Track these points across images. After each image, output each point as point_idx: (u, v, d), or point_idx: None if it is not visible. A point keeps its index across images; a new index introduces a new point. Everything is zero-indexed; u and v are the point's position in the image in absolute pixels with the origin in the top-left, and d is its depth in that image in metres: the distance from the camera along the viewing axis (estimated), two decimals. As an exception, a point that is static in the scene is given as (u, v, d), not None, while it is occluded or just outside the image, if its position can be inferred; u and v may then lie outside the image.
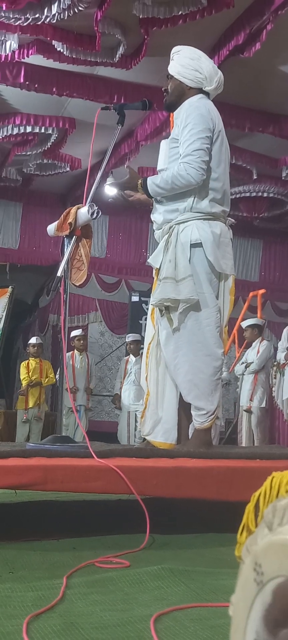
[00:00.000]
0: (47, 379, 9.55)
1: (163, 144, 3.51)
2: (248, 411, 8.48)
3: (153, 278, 3.57)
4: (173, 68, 3.46)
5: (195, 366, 3.30)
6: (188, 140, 3.27)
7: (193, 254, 3.31)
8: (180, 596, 1.81)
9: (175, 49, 3.52)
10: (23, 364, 9.75)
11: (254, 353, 8.50)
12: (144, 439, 3.66)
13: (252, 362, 8.45)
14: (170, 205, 3.37)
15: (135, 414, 9.47)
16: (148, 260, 3.51)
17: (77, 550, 2.38)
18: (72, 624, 1.55)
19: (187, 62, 3.45)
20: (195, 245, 3.30)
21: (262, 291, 10.42)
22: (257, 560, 0.76)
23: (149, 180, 3.37)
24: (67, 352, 8.56)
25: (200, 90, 3.45)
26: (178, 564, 2.12)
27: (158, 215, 3.46)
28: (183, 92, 3.45)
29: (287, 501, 0.77)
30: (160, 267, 3.37)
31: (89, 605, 1.71)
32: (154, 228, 3.55)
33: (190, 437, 3.52)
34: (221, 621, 1.58)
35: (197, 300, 3.26)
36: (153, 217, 3.51)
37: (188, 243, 3.30)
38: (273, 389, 8.61)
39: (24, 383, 9.53)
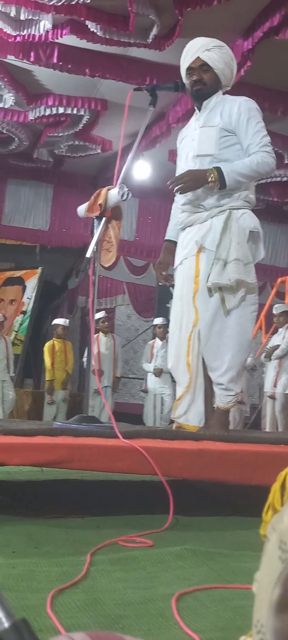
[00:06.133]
0: (67, 366, 9.66)
1: (204, 131, 3.43)
2: (272, 397, 8.45)
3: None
4: (216, 62, 3.42)
5: (236, 350, 3.36)
6: (260, 132, 3.36)
7: (249, 241, 3.39)
8: (202, 577, 1.82)
9: (215, 42, 3.46)
10: (47, 347, 9.71)
11: (280, 339, 8.45)
12: (171, 422, 3.67)
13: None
14: (224, 190, 3.34)
15: (161, 397, 9.50)
16: (196, 240, 3.42)
17: (101, 529, 2.40)
18: (96, 600, 1.57)
19: (228, 62, 3.49)
20: (252, 233, 3.38)
21: (291, 277, 10.33)
22: (283, 538, 0.76)
23: (227, 169, 3.27)
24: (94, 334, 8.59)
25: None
26: (200, 545, 2.13)
27: (206, 199, 3.39)
28: (217, 87, 3.48)
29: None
30: (217, 247, 3.33)
31: (112, 582, 1.74)
32: (190, 211, 3.47)
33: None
34: (242, 602, 1.59)
35: (256, 286, 3.40)
36: (197, 201, 3.44)
37: (248, 230, 3.36)
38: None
39: (47, 375, 9.61)
